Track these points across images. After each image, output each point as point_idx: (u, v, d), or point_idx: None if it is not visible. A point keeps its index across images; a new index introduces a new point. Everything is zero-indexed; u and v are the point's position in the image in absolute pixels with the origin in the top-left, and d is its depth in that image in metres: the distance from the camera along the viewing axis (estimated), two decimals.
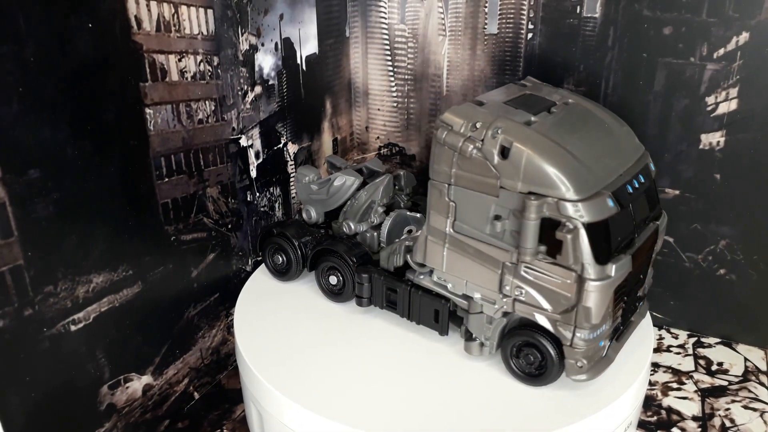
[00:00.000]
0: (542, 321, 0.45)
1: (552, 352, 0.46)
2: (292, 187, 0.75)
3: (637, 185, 0.46)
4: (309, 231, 0.60)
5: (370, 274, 0.54)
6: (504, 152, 0.43)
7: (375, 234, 0.58)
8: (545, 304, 0.45)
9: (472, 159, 0.44)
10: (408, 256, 0.52)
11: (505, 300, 0.46)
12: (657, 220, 0.50)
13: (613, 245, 0.43)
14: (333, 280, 0.57)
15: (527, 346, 0.47)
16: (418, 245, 0.50)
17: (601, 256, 0.42)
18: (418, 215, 0.58)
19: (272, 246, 0.60)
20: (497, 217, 0.44)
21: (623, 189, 0.45)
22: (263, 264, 0.62)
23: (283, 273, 0.60)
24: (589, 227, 0.41)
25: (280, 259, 0.60)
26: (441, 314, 0.51)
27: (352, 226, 0.58)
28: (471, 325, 0.49)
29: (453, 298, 0.50)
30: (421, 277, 0.51)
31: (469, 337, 0.50)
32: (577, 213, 0.41)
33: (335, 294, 0.57)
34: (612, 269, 0.43)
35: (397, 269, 0.54)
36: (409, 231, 0.57)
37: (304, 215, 0.61)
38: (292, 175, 0.74)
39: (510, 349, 0.48)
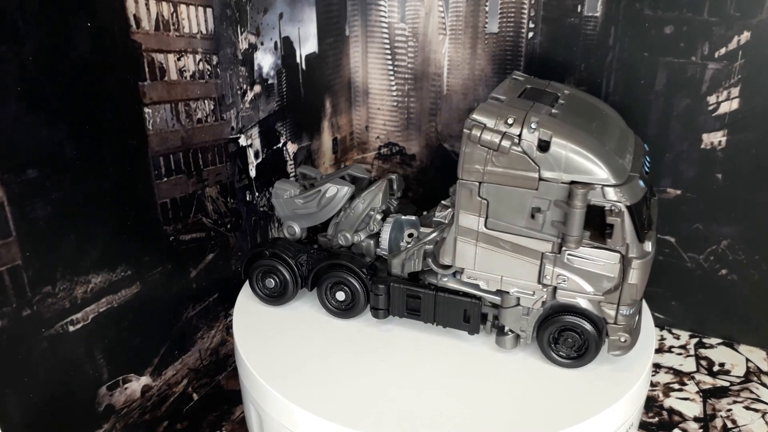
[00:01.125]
0: (585, 304, 0.47)
1: (593, 332, 0.47)
2: None
3: (648, 165, 0.49)
4: (301, 248, 0.56)
5: (388, 284, 0.52)
6: (543, 145, 0.44)
7: (371, 243, 0.56)
8: (588, 288, 0.46)
9: (509, 155, 0.44)
10: (429, 260, 0.51)
11: (545, 290, 0.47)
12: (654, 197, 0.52)
13: (644, 223, 0.46)
14: (341, 296, 0.54)
15: (566, 331, 0.48)
16: (444, 247, 0.49)
17: (640, 235, 0.45)
18: (413, 218, 0.57)
19: (261, 269, 0.55)
20: (536, 210, 0.45)
21: (642, 170, 0.47)
22: (250, 290, 0.57)
23: (276, 297, 0.56)
24: (629, 209, 0.44)
25: (273, 282, 0.55)
26: (472, 314, 0.51)
27: (350, 237, 0.55)
28: (506, 319, 0.50)
29: (484, 295, 0.50)
30: (445, 279, 0.51)
31: (500, 331, 0.51)
32: (622, 197, 0.43)
33: (343, 310, 0.55)
34: (648, 246, 0.45)
35: (410, 275, 0.53)
36: (410, 235, 0.55)
37: (286, 232, 0.57)
38: (291, 175, 0.74)
39: (548, 336, 0.49)
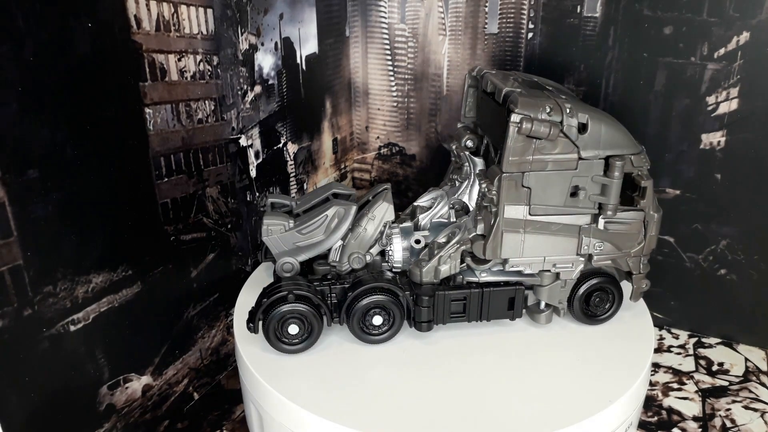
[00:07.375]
0: (618, 263, 0.52)
1: (617, 289, 0.54)
2: (292, 187, 0.75)
3: None
4: (315, 282, 0.52)
5: (433, 294, 0.51)
6: (581, 128, 0.47)
7: (378, 259, 0.54)
8: (620, 248, 0.51)
9: (555, 141, 0.47)
10: (468, 260, 0.52)
11: (582, 259, 0.51)
12: None
13: None
14: (377, 320, 0.51)
15: (596, 291, 0.54)
16: (489, 243, 0.50)
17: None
18: (409, 224, 0.55)
19: (283, 317, 0.50)
20: (575, 188, 0.49)
21: None
22: (265, 339, 0.50)
23: (302, 341, 0.51)
24: (649, 171, 0.50)
25: (297, 328, 0.50)
26: (516, 299, 0.53)
27: (366, 258, 0.52)
28: (545, 296, 0.53)
29: (524, 280, 0.53)
30: (484, 275, 0.53)
31: (535, 309, 0.54)
32: (645, 162, 0.50)
33: (381, 334, 0.52)
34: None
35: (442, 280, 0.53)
36: (417, 242, 0.54)
37: (281, 269, 0.53)
38: (292, 175, 0.74)
39: (581, 300, 0.54)
